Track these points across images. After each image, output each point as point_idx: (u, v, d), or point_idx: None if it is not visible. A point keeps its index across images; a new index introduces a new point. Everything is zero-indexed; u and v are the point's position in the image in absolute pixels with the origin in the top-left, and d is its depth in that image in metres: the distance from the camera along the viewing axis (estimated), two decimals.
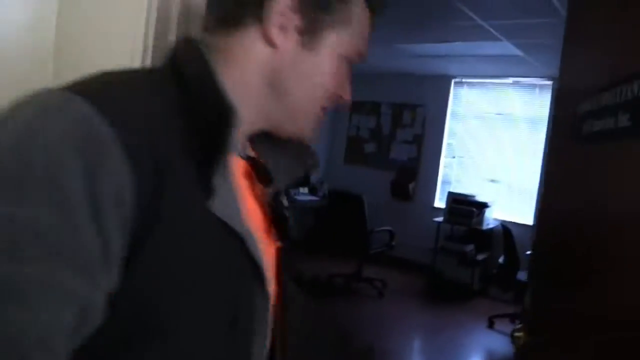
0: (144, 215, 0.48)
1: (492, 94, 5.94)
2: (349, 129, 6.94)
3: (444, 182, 6.30)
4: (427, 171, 6.33)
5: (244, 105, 0.60)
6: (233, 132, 0.55)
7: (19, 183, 0.43)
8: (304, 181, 6.02)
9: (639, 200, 0.81)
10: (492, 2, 3.39)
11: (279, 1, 0.59)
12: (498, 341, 4.29)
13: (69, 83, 0.52)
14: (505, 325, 4.41)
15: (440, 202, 6.18)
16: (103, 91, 0.51)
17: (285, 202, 0.75)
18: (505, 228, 4.61)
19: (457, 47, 4.75)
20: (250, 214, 0.63)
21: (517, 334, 1.44)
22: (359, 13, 0.65)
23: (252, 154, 0.70)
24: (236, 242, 0.57)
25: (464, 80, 6.12)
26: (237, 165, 0.64)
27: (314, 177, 6.32)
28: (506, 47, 4.49)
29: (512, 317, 4.48)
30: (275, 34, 0.60)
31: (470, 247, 5.51)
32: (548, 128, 5.19)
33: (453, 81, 6.17)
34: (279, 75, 0.62)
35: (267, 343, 0.67)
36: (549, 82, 5.38)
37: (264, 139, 0.71)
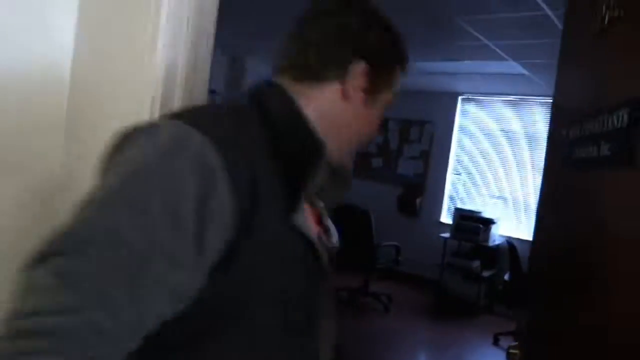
0: (238, 231, 0.60)
1: (498, 111, 5.99)
2: None
3: (451, 198, 6.33)
4: (433, 187, 6.37)
5: None
6: (322, 162, 0.72)
7: (147, 204, 0.55)
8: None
9: (618, 229, 0.86)
10: (496, 23, 3.46)
11: (356, 68, 0.76)
12: (503, 358, 4.29)
13: (176, 113, 0.66)
14: (511, 343, 4.41)
15: (446, 217, 6.21)
16: (213, 125, 0.63)
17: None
18: (511, 244, 4.64)
19: (464, 65, 4.82)
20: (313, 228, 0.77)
21: (512, 350, 1.48)
22: (398, 75, 0.85)
23: None
24: (309, 249, 0.71)
25: (471, 97, 6.18)
26: None
27: None
28: (512, 66, 4.55)
29: None
30: (350, 91, 0.77)
31: (476, 264, 5.53)
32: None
33: (460, 98, 6.23)
34: (342, 119, 0.78)
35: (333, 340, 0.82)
36: None
37: None
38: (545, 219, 1.42)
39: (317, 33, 0.77)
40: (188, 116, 0.64)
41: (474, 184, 6.18)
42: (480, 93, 6.03)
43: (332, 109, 0.77)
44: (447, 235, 5.69)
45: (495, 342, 4.53)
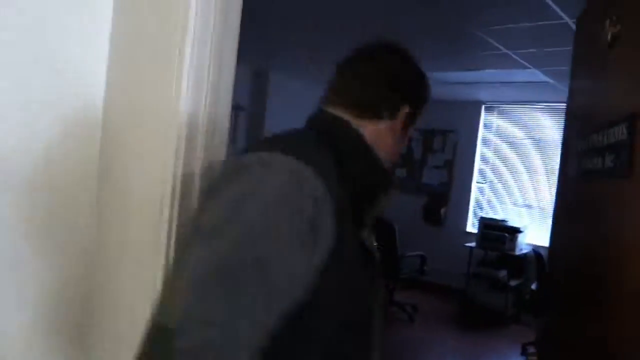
0: (335, 239, 0.73)
1: (522, 119, 5.96)
2: None
3: (476, 207, 6.30)
4: (458, 196, 6.35)
5: None
6: (390, 190, 0.89)
7: (281, 231, 0.69)
8: None
9: (621, 239, 0.89)
10: (516, 33, 3.48)
11: (403, 110, 0.94)
12: None
13: (272, 144, 0.78)
14: None
15: (472, 227, 6.18)
16: (310, 156, 0.76)
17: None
18: (537, 253, 4.59)
19: (487, 74, 4.83)
20: None
21: (530, 357, 1.51)
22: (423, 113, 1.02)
23: None
24: (371, 260, 0.87)
25: (494, 105, 6.16)
26: None
27: None
28: (534, 74, 4.54)
29: None
30: (396, 128, 0.94)
31: (503, 273, 5.48)
32: None
33: (483, 107, 6.22)
34: (384, 147, 0.94)
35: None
36: None
37: None
38: (558, 229, 1.44)
39: (374, 77, 0.94)
40: (288, 148, 0.76)
41: (499, 192, 6.14)
42: (503, 101, 6.01)
43: (380, 139, 0.93)
44: (472, 244, 5.66)
45: (524, 352, 4.47)
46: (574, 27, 3.12)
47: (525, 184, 5.89)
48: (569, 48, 3.55)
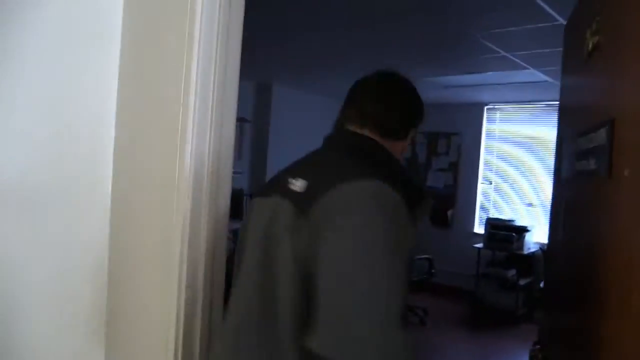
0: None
1: (525, 119, 6.01)
2: None
3: (482, 208, 6.34)
4: (464, 198, 6.39)
5: None
6: (428, 201, 1.11)
7: (399, 246, 0.90)
8: None
9: (604, 238, 0.95)
10: (514, 36, 3.54)
11: (412, 132, 1.17)
12: None
13: (366, 172, 0.95)
14: None
15: (479, 228, 6.22)
16: (382, 176, 0.94)
17: None
18: (545, 251, 4.62)
19: (487, 76, 4.89)
20: None
21: (534, 352, 1.56)
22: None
23: None
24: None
25: (496, 106, 6.21)
26: None
27: None
28: (534, 74, 4.60)
29: None
30: (406, 144, 1.17)
31: (512, 272, 5.51)
32: None
33: (486, 108, 6.27)
34: (397, 158, 1.14)
35: None
36: None
37: None
38: (554, 229, 1.50)
39: (398, 107, 1.14)
40: (379, 177, 0.94)
41: (505, 192, 6.18)
42: (505, 102, 6.06)
43: (394, 154, 1.13)
44: (480, 245, 5.70)
45: None
46: None
47: (530, 183, 5.93)
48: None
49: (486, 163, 6.33)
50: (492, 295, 5.56)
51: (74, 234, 1.19)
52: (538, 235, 5.63)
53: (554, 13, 2.99)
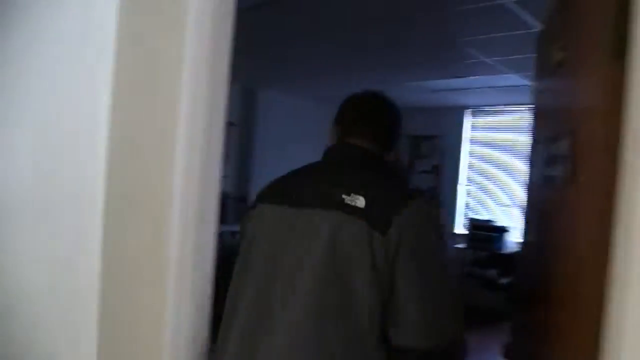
0: None
1: (506, 121, 6.15)
2: None
3: (464, 209, 6.47)
4: (447, 199, 6.52)
5: None
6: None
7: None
8: None
9: (572, 244, 1.04)
10: (494, 43, 3.66)
11: (395, 148, 1.34)
12: None
13: (416, 194, 1.15)
14: None
15: (461, 228, 6.35)
16: (419, 194, 1.16)
17: None
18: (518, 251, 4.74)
19: (469, 81, 5.02)
20: None
21: (505, 346, 1.66)
22: None
23: None
24: None
25: (478, 109, 6.36)
26: None
27: None
28: (514, 79, 4.73)
29: None
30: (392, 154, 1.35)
31: (493, 272, 5.64)
32: None
33: (468, 111, 6.41)
34: None
35: None
36: None
37: None
38: (526, 231, 1.60)
39: (392, 124, 1.34)
40: (420, 195, 1.15)
41: (486, 194, 6.32)
42: (487, 105, 6.20)
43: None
44: (462, 245, 5.82)
45: None
46: None
47: (511, 185, 6.07)
48: None
49: (468, 165, 6.47)
50: (474, 295, 5.68)
51: (67, 243, 1.25)
52: (518, 235, 5.76)
53: (532, 21, 3.11)
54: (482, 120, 6.38)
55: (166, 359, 1.12)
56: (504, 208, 6.12)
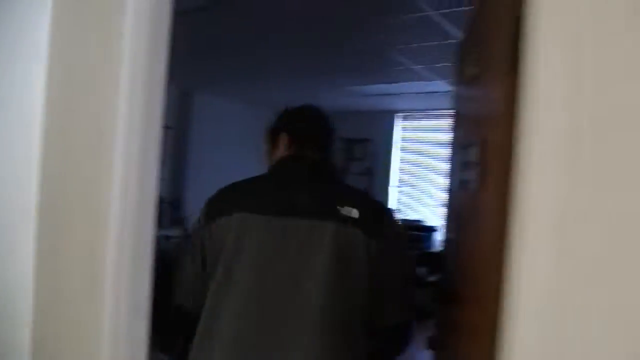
0: None
1: (433, 125, 6.44)
2: None
3: (396, 210, 6.69)
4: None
5: None
6: None
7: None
8: None
9: (479, 245, 1.13)
10: (421, 51, 3.84)
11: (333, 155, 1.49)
12: None
13: (376, 200, 1.47)
14: None
15: None
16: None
17: None
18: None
19: (399, 86, 5.21)
20: None
21: (429, 338, 1.77)
22: None
23: None
24: None
25: (407, 114, 6.60)
26: None
27: None
28: (440, 85, 4.96)
29: None
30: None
31: (422, 270, 5.86)
32: None
33: (398, 115, 6.65)
34: None
35: None
36: None
37: None
38: (447, 232, 1.71)
39: (331, 134, 1.49)
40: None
41: (416, 195, 6.57)
42: (416, 109, 6.46)
43: None
44: None
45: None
46: None
47: (439, 185, 6.35)
48: None
49: (399, 167, 6.70)
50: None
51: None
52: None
53: (455, 32, 3.29)
54: (411, 124, 6.63)
55: None
56: (433, 208, 6.39)
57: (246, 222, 1.25)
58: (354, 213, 1.27)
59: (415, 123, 6.63)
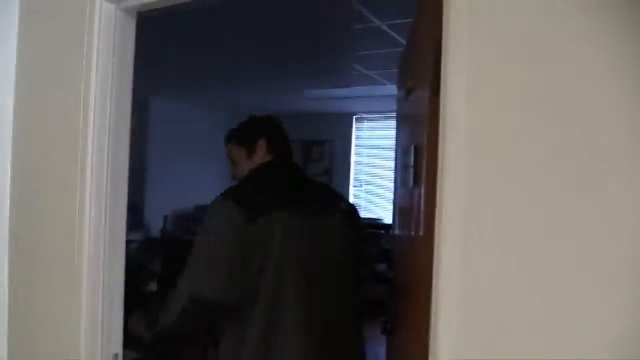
0: None
1: (389, 127, 6.69)
2: None
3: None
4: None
5: None
6: None
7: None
8: None
9: (415, 240, 1.31)
10: (374, 58, 4.05)
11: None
12: None
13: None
14: None
15: None
16: None
17: None
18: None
19: (355, 90, 5.42)
20: None
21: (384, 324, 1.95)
22: None
23: None
24: None
25: (363, 116, 6.84)
26: None
27: None
28: (393, 89, 5.18)
29: None
30: None
31: (382, 266, 6.09)
32: None
33: (354, 117, 6.87)
34: None
35: None
36: None
37: None
38: (394, 229, 1.89)
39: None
40: None
41: (374, 194, 6.80)
42: (372, 112, 6.69)
43: None
44: None
45: None
46: None
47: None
48: None
49: (357, 167, 6.92)
50: (367, 289, 6.09)
51: None
52: None
53: (402, 40, 3.50)
54: (367, 125, 6.86)
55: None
56: (390, 207, 6.62)
57: (285, 219, 1.47)
58: (344, 206, 1.72)
59: (371, 124, 6.86)
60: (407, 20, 2.99)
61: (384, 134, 6.71)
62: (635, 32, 0.78)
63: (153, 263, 3.28)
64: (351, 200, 6.87)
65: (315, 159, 7.11)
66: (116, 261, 1.32)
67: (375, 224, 6.11)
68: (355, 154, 6.96)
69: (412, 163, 1.33)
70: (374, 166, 6.80)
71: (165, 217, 6.15)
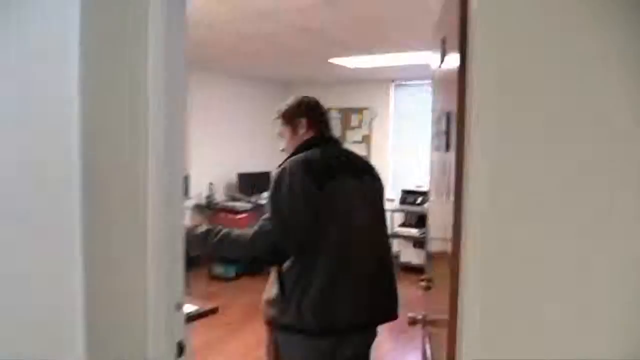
0: None
1: (425, 94, 6.65)
2: None
3: (394, 176, 6.97)
4: (377, 167, 6.95)
5: None
6: None
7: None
8: None
9: (447, 203, 1.40)
10: (411, 24, 4.04)
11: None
12: None
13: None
14: None
15: (392, 193, 6.84)
16: None
17: None
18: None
19: (392, 57, 5.41)
20: None
21: (421, 283, 2.06)
22: None
23: None
24: None
25: (402, 83, 6.80)
26: None
27: None
28: (429, 56, 5.13)
29: None
30: None
31: (422, 231, 6.18)
32: None
33: (393, 84, 6.84)
34: None
35: None
36: None
37: None
38: (430, 192, 1.98)
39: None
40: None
41: (413, 160, 6.83)
42: (410, 79, 6.65)
43: None
44: (393, 208, 6.32)
45: None
46: None
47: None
48: None
49: (395, 134, 6.94)
50: (406, 253, 6.22)
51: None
52: None
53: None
54: (406, 91, 6.84)
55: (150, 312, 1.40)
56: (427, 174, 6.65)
57: (347, 182, 1.95)
58: (376, 172, 2.20)
59: (410, 91, 6.83)
60: None
61: (424, 100, 6.68)
62: None
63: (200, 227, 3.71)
64: (390, 167, 6.95)
65: (354, 126, 7.17)
66: (176, 222, 1.47)
67: (414, 191, 6.18)
68: (394, 120, 6.96)
69: (444, 129, 1.40)
70: (412, 134, 6.79)
71: (211, 185, 6.41)
